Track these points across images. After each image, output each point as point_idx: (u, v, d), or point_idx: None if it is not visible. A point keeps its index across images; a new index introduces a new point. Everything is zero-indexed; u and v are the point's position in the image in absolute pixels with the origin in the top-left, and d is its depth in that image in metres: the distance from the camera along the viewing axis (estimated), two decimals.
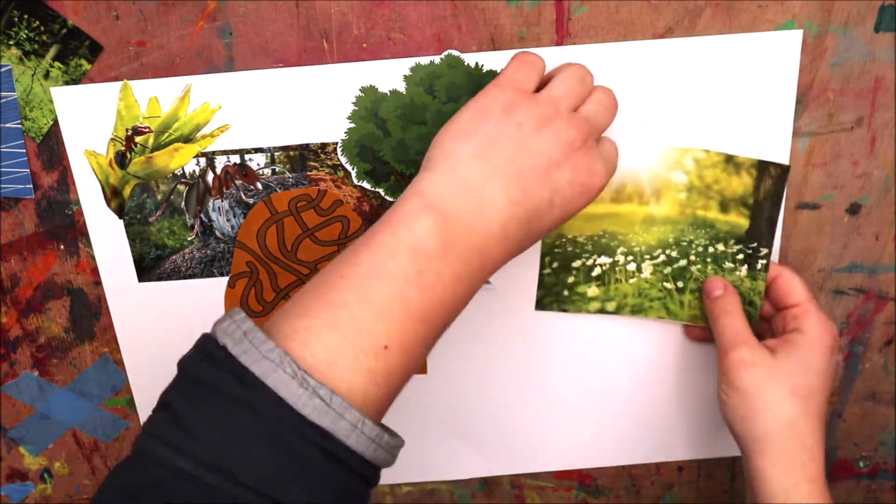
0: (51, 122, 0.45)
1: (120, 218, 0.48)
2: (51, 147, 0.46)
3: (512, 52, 0.43)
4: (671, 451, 0.57)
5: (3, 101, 0.44)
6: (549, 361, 0.53)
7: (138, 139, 0.45)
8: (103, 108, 0.44)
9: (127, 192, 0.47)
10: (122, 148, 0.46)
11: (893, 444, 0.58)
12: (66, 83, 0.44)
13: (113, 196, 0.47)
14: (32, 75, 0.44)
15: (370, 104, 0.45)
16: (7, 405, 0.54)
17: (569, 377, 0.53)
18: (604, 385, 0.54)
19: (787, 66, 0.45)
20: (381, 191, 0.47)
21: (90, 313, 0.51)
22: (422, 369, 0.53)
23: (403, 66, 0.44)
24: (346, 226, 0.48)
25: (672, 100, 0.45)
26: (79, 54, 0.43)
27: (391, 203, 0.47)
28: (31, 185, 0.47)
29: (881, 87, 0.46)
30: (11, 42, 0.43)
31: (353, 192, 0.48)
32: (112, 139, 0.45)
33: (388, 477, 0.57)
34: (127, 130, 0.45)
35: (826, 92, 0.46)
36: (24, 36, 0.43)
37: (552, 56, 0.44)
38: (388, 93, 0.44)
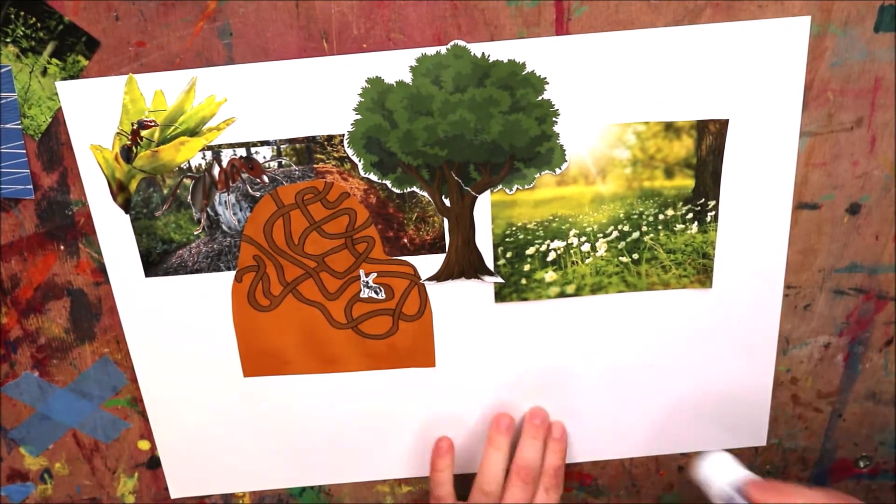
0: (49, 120, 0.45)
1: (126, 213, 0.47)
2: (51, 147, 0.46)
3: (515, 45, 0.44)
4: (674, 445, 0.57)
5: (2, 101, 0.44)
6: (555, 355, 0.53)
7: (144, 133, 0.45)
8: (108, 101, 0.44)
9: (133, 186, 0.47)
10: (128, 142, 0.45)
11: (893, 444, 0.58)
12: (64, 80, 0.44)
13: (119, 191, 0.47)
14: (30, 72, 0.44)
15: (376, 95, 0.45)
16: (7, 406, 0.54)
17: (573, 372, 0.53)
18: (608, 380, 0.54)
19: (796, 54, 0.45)
20: (388, 182, 0.47)
21: (90, 314, 0.51)
22: (429, 362, 0.53)
23: (409, 56, 0.44)
24: (354, 218, 0.48)
25: (676, 90, 0.45)
26: (76, 50, 0.43)
27: (398, 195, 0.47)
28: (31, 186, 0.47)
29: (881, 87, 0.46)
30: (8, 39, 0.43)
31: (360, 184, 0.47)
32: (118, 133, 0.45)
33: (389, 473, 0.57)
34: (132, 124, 0.45)
35: (826, 92, 0.46)
36: (21, 33, 0.43)
37: (553, 47, 0.44)
38: (395, 84, 0.44)
